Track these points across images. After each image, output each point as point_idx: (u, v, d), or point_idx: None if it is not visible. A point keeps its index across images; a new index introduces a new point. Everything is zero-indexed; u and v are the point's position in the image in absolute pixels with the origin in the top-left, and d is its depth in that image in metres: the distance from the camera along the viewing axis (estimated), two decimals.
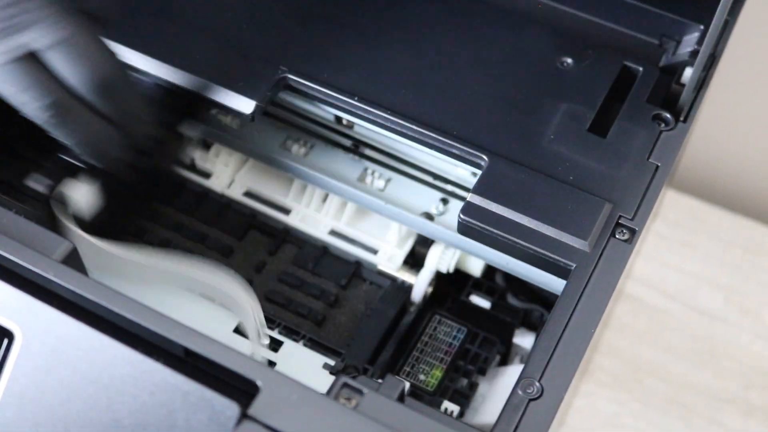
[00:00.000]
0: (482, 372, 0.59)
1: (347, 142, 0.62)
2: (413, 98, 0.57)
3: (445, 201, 0.61)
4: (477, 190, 0.54)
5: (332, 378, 0.56)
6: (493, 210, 0.53)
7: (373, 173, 0.62)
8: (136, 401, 0.42)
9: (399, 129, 0.56)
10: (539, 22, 0.62)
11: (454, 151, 0.56)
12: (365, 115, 0.57)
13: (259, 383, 0.40)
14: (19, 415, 0.43)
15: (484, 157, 0.55)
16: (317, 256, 0.63)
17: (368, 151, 0.62)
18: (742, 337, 0.87)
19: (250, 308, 0.54)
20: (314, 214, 0.63)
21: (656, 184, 0.55)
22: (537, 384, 0.46)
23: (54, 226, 0.53)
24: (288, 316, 0.60)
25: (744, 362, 0.86)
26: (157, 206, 0.64)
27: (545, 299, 0.62)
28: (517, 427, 0.45)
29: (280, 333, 0.59)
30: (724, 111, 0.95)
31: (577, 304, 0.49)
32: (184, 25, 0.59)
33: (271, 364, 0.57)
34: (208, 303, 0.57)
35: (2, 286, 0.44)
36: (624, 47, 0.61)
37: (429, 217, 0.60)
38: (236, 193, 0.65)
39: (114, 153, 0.53)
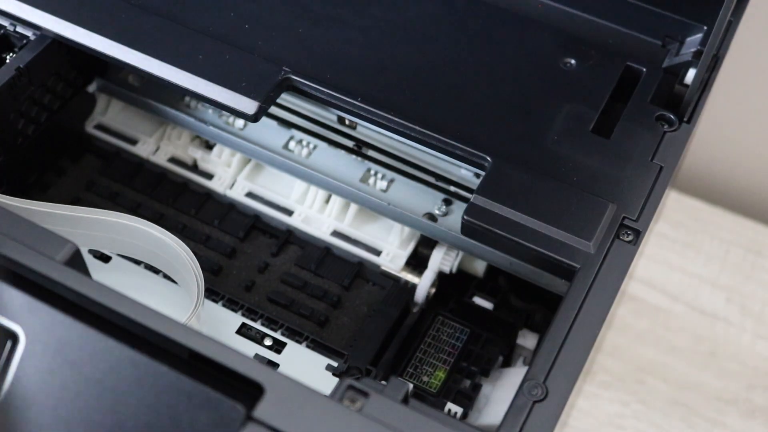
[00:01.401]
0: (485, 373, 0.59)
1: (350, 143, 0.62)
2: (416, 99, 0.57)
3: (448, 202, 0.61)
4: (480, 191, 0.53)
5: (335, 379, 0.56)
6: (497, 211, 0.53)
7: (375, 174, 0.62)
8: (140, 403, 0.42)
9: (402, 130, 0.56)
10: (542, 22, 0.62)
11: (458, 152, 0.56)
12: (368, 115, 0.57)
13: (264, 385, 0.40)
14: (23, 416, 0.43)
15: (488, 158, 0.55)
16: (320, 257, 0.63)
17: (371, 152, 0.62)
18: (744, 337, 0.87)
19: (181, 249, 0.54)
20: (317, 215, 0.63)
21: (660, 185, 0.55)
22: (542, 386, 0.46)
23: None
24: (291, 317, 0.60)
25: (746, 363, 0.86)
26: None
27: (548, 300, 0.62)
28: (521, 429, 0.45)
29: (282, 334, 0.59)
30: (726, 111, 0.95)
31: (581, 306, 0.49)
32: (187, 25, 0.59)
33: (274, 365, 0.57)
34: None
35: (6, 288, 0.44)
36: (627, 48, 0.61)
37: (432, 218, 0.60)
38: (239, 194, 0.65)
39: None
